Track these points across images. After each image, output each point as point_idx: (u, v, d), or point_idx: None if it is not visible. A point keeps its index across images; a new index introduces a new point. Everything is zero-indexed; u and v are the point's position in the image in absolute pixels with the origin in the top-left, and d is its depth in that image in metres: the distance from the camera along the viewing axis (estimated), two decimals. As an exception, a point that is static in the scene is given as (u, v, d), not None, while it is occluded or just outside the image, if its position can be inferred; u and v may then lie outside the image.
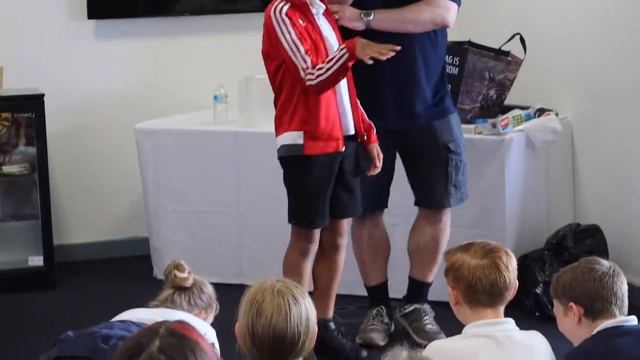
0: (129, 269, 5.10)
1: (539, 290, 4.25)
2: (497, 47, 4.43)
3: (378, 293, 4.09)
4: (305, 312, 2.19)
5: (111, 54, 5.27)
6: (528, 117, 4.55)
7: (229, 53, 5.17)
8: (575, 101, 4.82)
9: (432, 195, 3.89)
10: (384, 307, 4.04)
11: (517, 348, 2.48)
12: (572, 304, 2.47)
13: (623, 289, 2.49)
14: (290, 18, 3.62)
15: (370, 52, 3.56)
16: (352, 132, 3.75)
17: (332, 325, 3.91)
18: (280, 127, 3.71)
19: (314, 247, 3.82)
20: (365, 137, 3.83)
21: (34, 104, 4.83)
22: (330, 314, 3.96)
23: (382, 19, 3.67)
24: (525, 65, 4.37)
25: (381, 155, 3.79)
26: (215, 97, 4.72)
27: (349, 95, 3.76)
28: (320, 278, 3.89)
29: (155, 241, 4.94)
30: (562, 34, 4.86)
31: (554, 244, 4.42)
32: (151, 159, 4.83)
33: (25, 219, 5.02)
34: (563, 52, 4.84)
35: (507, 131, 4.32)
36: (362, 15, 3.65)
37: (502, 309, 2.52)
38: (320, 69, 3.55)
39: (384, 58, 3.55)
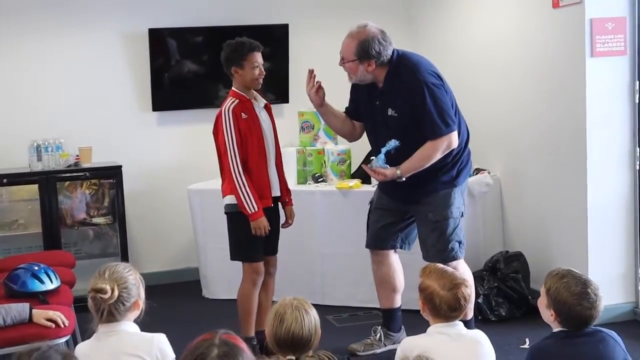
0: (184, 290, 5.65)
1: (480, 300, 4.74)
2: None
3: (384, 316, 4.32)
4: (314, 320, 2.48)
5: (169, 136, 5.89)
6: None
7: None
8: (503, 163, 5.32)
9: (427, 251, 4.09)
10: (381, 327, 4.28)
11: (466, 342, 2.75)
12: (553, 311, 2.61)
13: (597, 316, 2.60)
14: (234, 113, 3.97)
15: (258, 229, 3.97)
16: (278, 194, 4.19)
17: None
18: (224, 191, 4.09)
19: (261, 278, 4.19)
20: (287, 200, 4.28)
21: (114, 172, 5.43)
22: None
23: (407, 169, 3.90)
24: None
25: (294, 215, 4.26)
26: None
27: (277, 169, 4.17)
28: (261, 297, 4.27)
29: (204, 270, 5.53)
30: (494, 113, 5.32)
31: (490, 266, 4.94)
32: (199, 211, 5.39)
33: (108, 256, 5.52)
34: (494, 128, 5.32)
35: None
36: (396, 172, 3.89)
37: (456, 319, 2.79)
38: (242, 185, 3.91)
39: (260, 234, 3.98)
